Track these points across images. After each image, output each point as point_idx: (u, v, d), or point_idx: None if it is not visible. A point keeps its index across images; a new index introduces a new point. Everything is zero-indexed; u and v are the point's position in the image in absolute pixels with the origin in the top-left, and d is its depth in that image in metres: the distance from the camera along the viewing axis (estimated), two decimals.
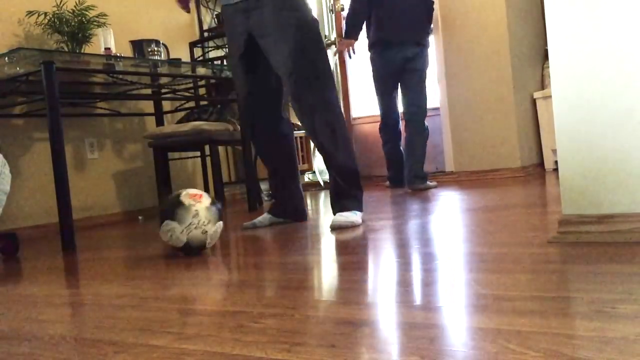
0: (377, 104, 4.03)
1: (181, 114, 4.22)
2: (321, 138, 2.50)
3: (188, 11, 2.80)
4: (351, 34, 3.89)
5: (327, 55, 2.55)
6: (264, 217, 2.77)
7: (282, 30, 2.43)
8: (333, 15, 4.72)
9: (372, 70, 3.97)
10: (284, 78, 2.50)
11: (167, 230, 2.04)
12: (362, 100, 5.51)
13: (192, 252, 2.09)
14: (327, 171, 2.75)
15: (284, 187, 2.77)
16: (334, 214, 2.52)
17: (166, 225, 2.04)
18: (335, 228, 2.41)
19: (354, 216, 2.46)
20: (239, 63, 2.59)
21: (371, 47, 3.94)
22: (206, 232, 2.05)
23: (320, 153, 2.58)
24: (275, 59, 2.48)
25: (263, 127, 2.70)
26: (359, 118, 5.20)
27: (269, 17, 2.44)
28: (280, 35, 2.43)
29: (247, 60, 2.57)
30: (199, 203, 2.06)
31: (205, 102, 4.28)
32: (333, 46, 4.78)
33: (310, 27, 2.48)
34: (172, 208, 2.05)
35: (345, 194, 2.54)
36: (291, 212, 2.78)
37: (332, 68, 2.54)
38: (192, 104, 4.36)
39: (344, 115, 4.67)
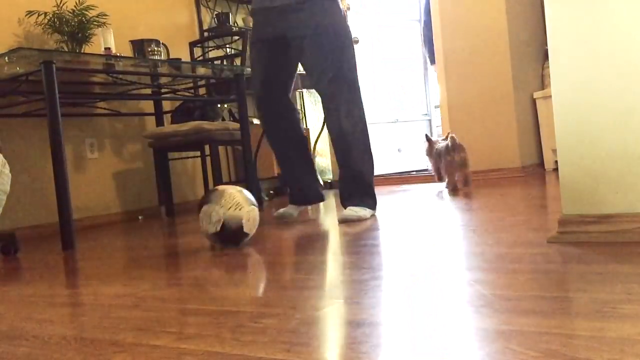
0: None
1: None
2: (343, 138, 2.64)
3: None
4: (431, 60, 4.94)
5: (355, 62, 2.70)
6: (291, 208, 2.88)
7: (319, 34, 2.58)
8: None
9: None
10: (316, 77, 2.62)
11: (203, 216, 2.09)
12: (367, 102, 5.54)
13: (231, 239, 2.11)
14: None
15: (298, 173, 2.87)
16: (345, 207, 2.65)
17: (202, 213, 2.10)
18: (342, 221, 2.55)
19: (362, 211, 2.60)
20: (260, 54, 2.72)
21: None
22: (241, 210, 2.08)
23: (337, 152, 2.71)
24: (309, 60, 2.63)
25: (273, 115, 2.80)
26: None
27: (306, 21, 2.58)
28: (316, 39, 2.58)
29: (270, 54, 2.71)
30: (229, 187, 2.15)
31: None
32: None
33: (346, 34, 2.64)
34: (205, 197, 2.14)
35: (355, 192, 2.67)
36: (312, 196, 2.89)
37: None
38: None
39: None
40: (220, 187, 2.15)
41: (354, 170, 2.66)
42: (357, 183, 2.67)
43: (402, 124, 5.57)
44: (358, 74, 2.69)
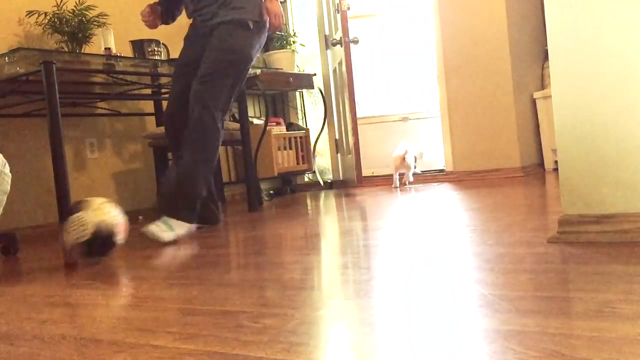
0: None
1: None
2: (190, 136, 2.61)
3: (154, 27, 3.00)
4: None
5: (234, 88, 2.70)
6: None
7: (212, 50, 2.69)
8: (339, 15, 4.70)
9: None
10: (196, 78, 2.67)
11: (73, 223, 2.04)
12: (366, 101, 5.49)
13: (101, 247, 2.07)
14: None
15: None
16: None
17: (71, 220, 2.05)
18: (148, 235, 2.47)
19: (167, 229, 2.50)
20: (181, 70, 2.85)
21: None
22: (114, 217, 2.09)
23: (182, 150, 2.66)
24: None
25: (180, 126, 2.75)
26: (363, 118, 5.19)
27: (211, 42, 2.72)
28: (209, 52, 2.70)
29: (186, 70, 2.79)
30: (97, 198, 2.15)
31: None
32: (339, 45, 4.77)
33: (238, 59, 2.69)
34: (74, 207, 2.13)
35: (173, 199, 2.58)
36: (202, 217, 2.73)
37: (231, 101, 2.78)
38: None
39: (351, 116, 4.68)
40: (88, 198, 2.15)
41: (180, 176, 2.59)
42: (177, 192, 2.58)
43: (412, 122, 5.50)
44: (228, 98, 2.68)
